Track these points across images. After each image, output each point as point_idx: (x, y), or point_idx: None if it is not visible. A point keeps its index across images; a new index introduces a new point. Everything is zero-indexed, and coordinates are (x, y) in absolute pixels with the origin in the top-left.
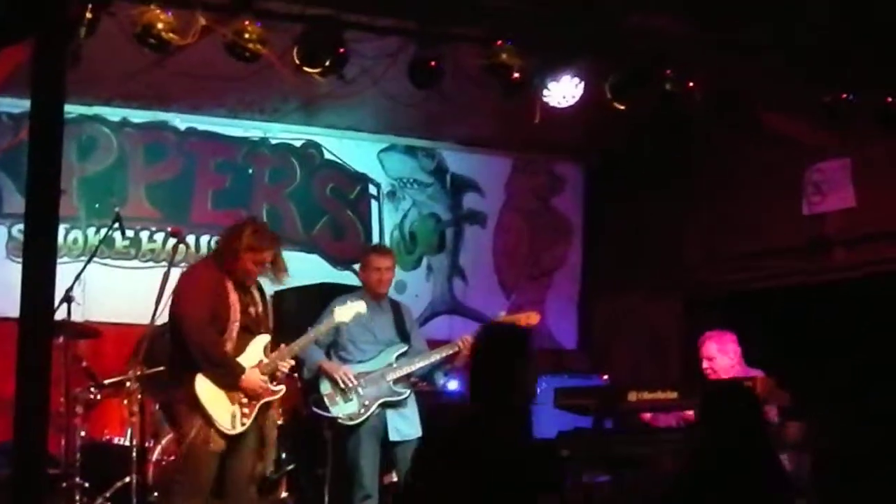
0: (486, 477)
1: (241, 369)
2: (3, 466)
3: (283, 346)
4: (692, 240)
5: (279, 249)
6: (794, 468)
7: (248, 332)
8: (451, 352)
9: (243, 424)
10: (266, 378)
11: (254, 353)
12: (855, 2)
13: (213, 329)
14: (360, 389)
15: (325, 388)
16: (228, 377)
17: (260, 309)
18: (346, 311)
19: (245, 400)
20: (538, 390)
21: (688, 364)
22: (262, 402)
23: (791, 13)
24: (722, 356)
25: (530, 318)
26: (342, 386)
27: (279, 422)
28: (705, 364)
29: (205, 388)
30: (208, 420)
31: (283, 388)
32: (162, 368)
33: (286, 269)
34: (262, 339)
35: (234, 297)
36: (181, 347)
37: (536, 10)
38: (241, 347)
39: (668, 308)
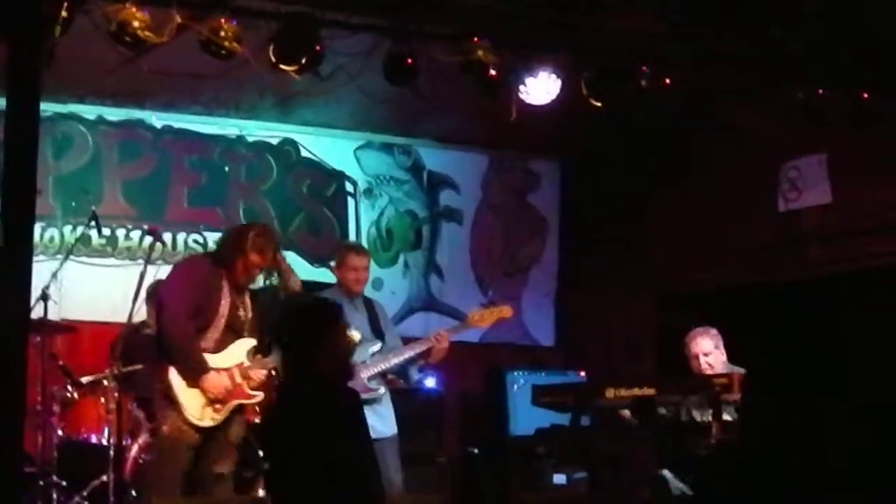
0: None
1: (206, 369)
2: None
3: (260, 356)
4: (668, 236)
5: (282, 254)
6: None
7: (233, 332)
8: (424, 347)
9: (213, 420)
10: (235, 383)
11: (236, 353)
12: None
13: (191, 322)
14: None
15: None
16: (191, 372)
17: (249, 314)
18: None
19: (219, 397)
20: (349, 361)
21: (663, 360)
22: (236, 403)
23: (766, 10)
24: (717, 351)
25: (503, 312)
26: None
27: (257, 420)
28: (701, 360)
29: (180, 378)
30: (179, 410)
31: (260, 394)
32: (139, 367)
33: (293, 273)
34: (248, 342)
35: (226, 296)
36: (161, 338)
37: (512, 7)
38: (223, 344)
39: (644, 305)
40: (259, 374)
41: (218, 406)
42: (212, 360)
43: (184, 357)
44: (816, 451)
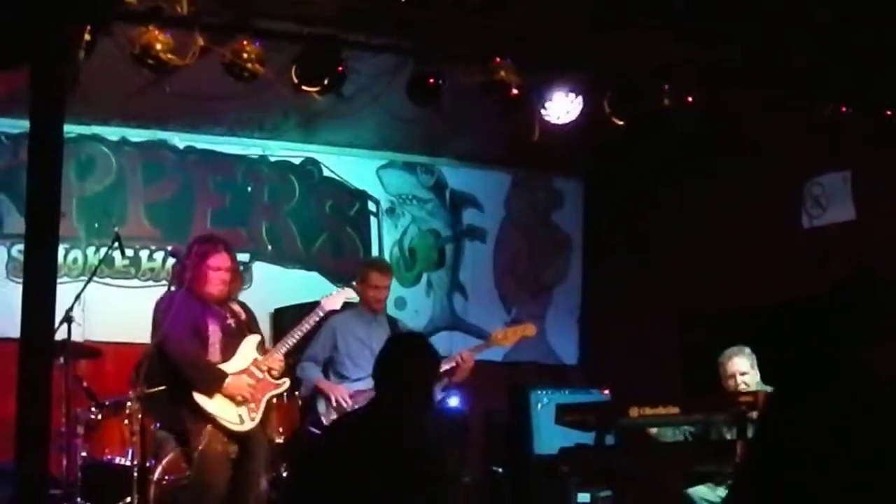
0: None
1: (223, 375)
2: (5, 487)
3: (270, 348)
4: (691, 254)
5: (233, 254)
6: None
7: (233, 337)
8: (448, 367)
9: (252, 420)
10: (257, 379)
11: (246, 353)
12: (856, 17)
13: (194, 341)
14: (356, 407)
15: (322, 407)
16: (212, 384)
17: (243, 317)
18: (334, 300)
19: (248, 398)
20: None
21: (688, 379)
22: (268, 396)
23: (789, 28)
24: (753, 371)
25: (527, 330)
26: (337, 405)
27: (279, 440)
28: (738, 379)
29: (204, 396)
30: (216, 424)
31: (286, 381)
32: (163, 388)
33: (241, 277)
34: (252, 339)
35: (209, 313)
36: (173, 367)
37: (534, 27)
38: (229, 353)
39: (668, 322)
40: (277, 362)
41: (252, 406)
42: (226, 368)
43: (199, 373)
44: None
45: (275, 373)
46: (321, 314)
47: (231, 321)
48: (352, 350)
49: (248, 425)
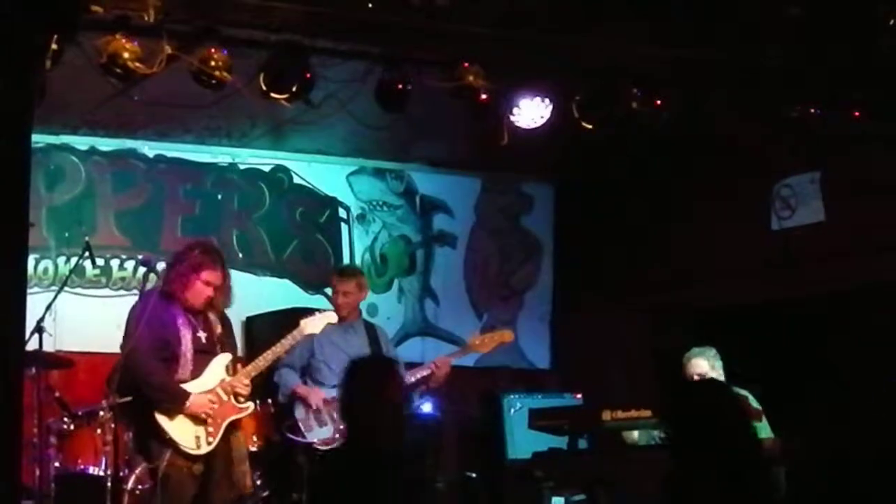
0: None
1: (185, 395)
2: None
3: (240, 367)
4: (662, 256)
5: (228, 270)
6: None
7: (204, 353)
8: (424, 374)
9: (209, 444)
10: (221, 401)
11: (214, 373)
12: (826, 18)
13: (156, 357)
14: (334, 414)
15: (300, 413)
16: (172, 403)
17: (218, 331)
18: (315, 323)
19: (209, 420)
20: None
21: (661, 381)
22: (228, 420)
23: (758, 30)
24: (713, 372)
25: (504, 337)
26: (315, 410)
27: (252, 448)
28: (696, 380)
29: (165, 416)
30: (174, 446)
31: (250, 405)
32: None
33: (231, 293)
34: (223, 359)
35: (182, 322)
36: (138, 384)
37: (502, 32)
38: (199, 370)
39: (639, 325)
40: (244, 386)
41: (211, 429)
42: (192, 386)
43: (160, 391)
44: None
45: (241, 397)
46: (299, 338)
47: (203, 334)
48: (329, 357)
49: (205, 449)
